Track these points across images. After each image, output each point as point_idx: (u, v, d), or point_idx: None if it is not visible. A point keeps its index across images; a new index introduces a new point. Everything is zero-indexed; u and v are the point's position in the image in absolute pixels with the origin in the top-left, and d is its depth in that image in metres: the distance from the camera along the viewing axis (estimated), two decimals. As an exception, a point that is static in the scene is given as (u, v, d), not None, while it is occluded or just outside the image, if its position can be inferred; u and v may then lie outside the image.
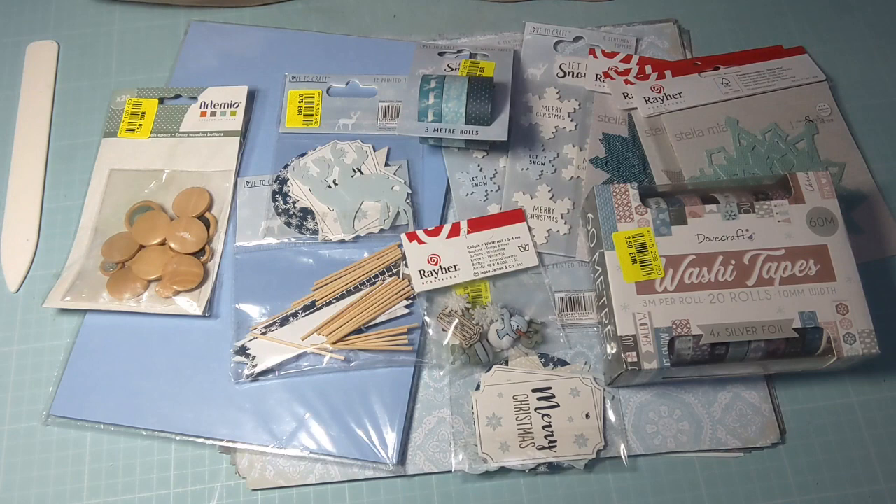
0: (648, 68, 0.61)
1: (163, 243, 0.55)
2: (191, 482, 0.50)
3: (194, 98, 0.60)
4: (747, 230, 0.50)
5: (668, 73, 0.61)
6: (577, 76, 0.61)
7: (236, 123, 0.59)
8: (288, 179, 0.56)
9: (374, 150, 0.58)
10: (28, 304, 0.56)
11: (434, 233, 0.54)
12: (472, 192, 0.57)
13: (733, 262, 0.49)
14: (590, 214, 0.53)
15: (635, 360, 0.47)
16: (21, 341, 0.54)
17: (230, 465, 0.50)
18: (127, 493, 0.50)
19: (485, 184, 0.57)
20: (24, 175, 0.60)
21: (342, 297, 0.53)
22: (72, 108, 0.62)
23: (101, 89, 0.63)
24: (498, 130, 0.54)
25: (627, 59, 0.62)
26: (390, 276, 0.54)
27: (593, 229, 0.52)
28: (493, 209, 0.56)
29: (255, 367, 0.51)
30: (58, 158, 0.60)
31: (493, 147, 0.58)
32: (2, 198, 0.59)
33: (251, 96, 0.60)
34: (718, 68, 0.61)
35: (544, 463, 0.49)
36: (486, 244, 0.54)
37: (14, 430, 0.52)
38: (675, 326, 0.47)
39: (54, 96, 0.63)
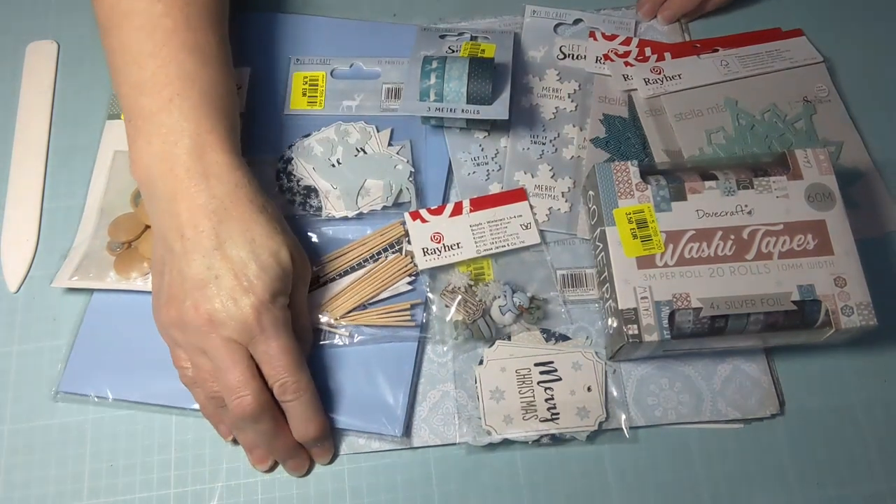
0: (648, 50, 0.62)
1: (168, 222, 0.56)
2: (191, 482, 0.50)
3: (199, 80, 0.61)
4: (746, 206, 0.50)
5: (667, 55, 0.62)
6: (577, 58, 0.62)
7: (239, 105, 0.59)
8: (292, 159, 0.57)
9: (378, 131, 0.58)
10: (28, 303, 0.56)
11: (437, 212, 0.55)
12: (474, 172, 0.58)
13: (732, 236, 0.49)
14: (591, 192, 0.53)
15: (636, 332, 0.47)
16: (21, 341, 0.54)
17: (230, 466, 0.50)
18: (127, 493, 0.50)
19: (486, 164, 0.58)
20: (24, 175, 0.60)
21: (346, 273, 0.53)
22: (72, 108, 0.62)
23: (101, 89, 0.63)
24: (499, 110, 0.54)
25: (627, 42, 0.62)
26: (393, 252, 0.54)
27: (594, 206, 0.53)
28: (495, 188, 0.57)
29: (260, 342, 0.51)
30: (58, 158, 0.60)
31: (494, 127, 0.59)
32: (2, 197, 0.59)
33: (253, 79, 0.61)
34: (717, 50, 0.62)
35: (547, 434, 0.50)
36: (488, 222, 0.55)
37: (14, 430, 0.52)
38: (675, 300, 0.48)
39: (54, 96, 0.63)
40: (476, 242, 0.54)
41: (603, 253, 0.51)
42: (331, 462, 0.50)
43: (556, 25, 0.63)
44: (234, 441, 0.50)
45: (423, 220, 0.55)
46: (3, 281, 0.57)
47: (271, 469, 0.50)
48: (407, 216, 0.55)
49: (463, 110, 0.54)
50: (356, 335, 0.52)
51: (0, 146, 0.61)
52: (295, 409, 0.47)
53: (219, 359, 0.45)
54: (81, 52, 0.64)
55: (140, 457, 0.51)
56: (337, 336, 0.52)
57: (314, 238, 0.55)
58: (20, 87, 0.63)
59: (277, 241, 0.47)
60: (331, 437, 0.50)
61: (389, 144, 0.58)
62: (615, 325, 0.49)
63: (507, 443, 0.50)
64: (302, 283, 0.50)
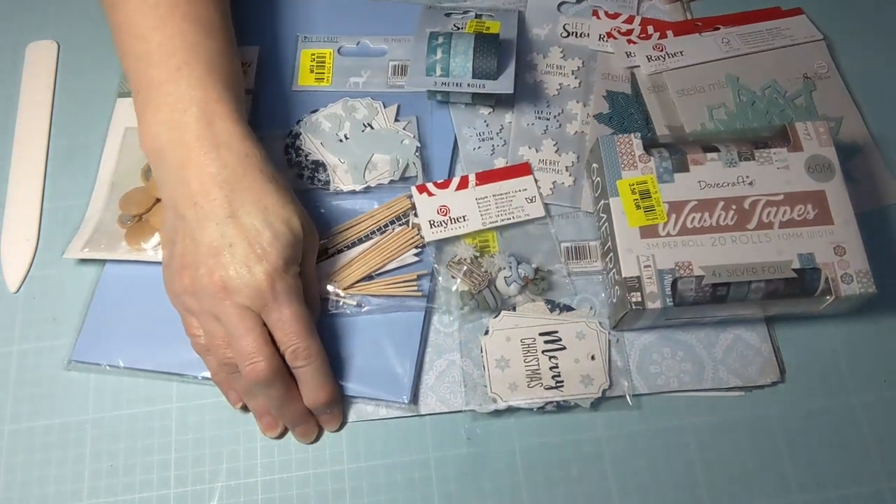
0: (650, 28, 0.63)
1: (179, 196, 0.56)
2: (191, 482, 0.50)
3: (207, 58, 0.61)
4: (747, 177, 0.51)
5: (669, 33, 0.62)
6: (580, 36, 0.63)
7: (248, 82, 0.60)
8: (300, 134, 0.58)
9: (385, 107, 0.59)
10: (28, 304, 0.56)
11: (443, 185, 0.56)
12: (479, 147, 0.59)
13: (734, 207, 0.50)
14: (594, 164, 0.54)
15: (639, 300, 0.48)
16: (21, 341, 0.55)
17: (230, 467, 0.51)
18: (127, 493, 0.50)
19: (491, 139, 0.59)
20: (24, 175, 0.60)
21: (353, 245, 0.54)
22: (72, 108, 0.62)
23: (101, 89, 0.63)
24: (504, 84, 0.55)
25: (630, 20, 0.63)
26: (400, 225, 0.55)
27: (598, 178, 0.53)
28: (500, 163, 0.58)
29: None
30: (58, 158, 0.61)
31: (498, 103, 0.60)
32: (2, 197, 0.59)
33: (262, 57, 0.62)
34: (718, 28, 0.63)
35: (552, 402, 0.51)
36: (493, 196, 0.56)
37: (14, 430, 0.52)
38: (677, 268, 0.49)
39: (54, 96, 0.63)
40: (482, 215, 0.55)
41: (606, 224, 0.52)
42: (339, 429, 0.51)
43: (560, 4, 0.64)
44: (244, 408, 0.51)
45: (430, 194, 0.56)
46: (3, 281, 0.57)
47: (281, 436, 0.51)
48: (414, 189, 0.56)
49: (469, 84, 0.55)
50: (364, 305, 0.53)
51: (0, 146, 0.61)
52: (306, 375, 0.48)
53: (232, 325, 0.46)
54: (81, 52, 0.65)
55: (140, 457, 0.51)
56: (345, 306, 0.53)
57: (322, 211, 0.56)
58: (20, 87, 0.63)
59: (289, 210, 0.48)
60: (340, 403, 0.51)
61: (396, 120, 0.59)
62: (619, 293, 0.50)
63: (512, 410, 0.51)
64: (311, 251, 0.51)
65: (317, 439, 0.51)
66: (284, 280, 0.47)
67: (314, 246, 0.52)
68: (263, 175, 0.48)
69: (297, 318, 0.47)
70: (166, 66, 0.49)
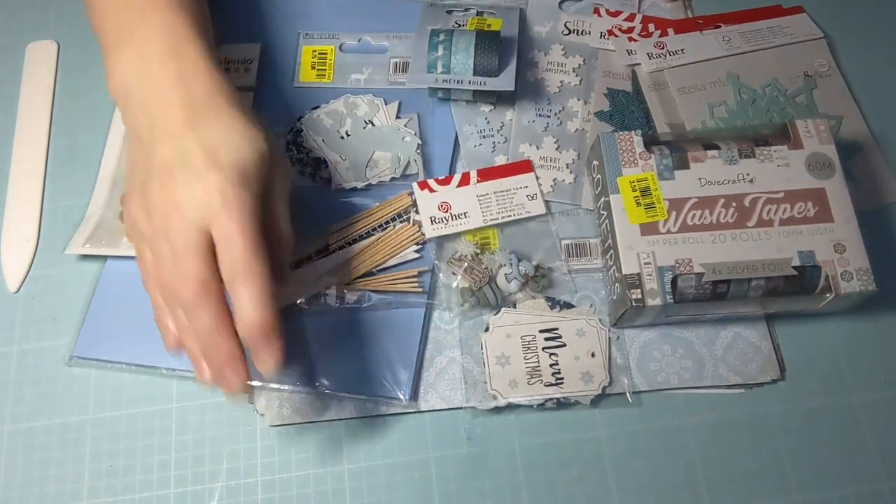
0: (651, 26, 0.63)
1: (180, 192, 0.56)
2: (191, 482, 0.50)
3: (209, 55, 0.61)
4: (748, 174, 0.51)
5: (670, 30, 0.62)
6: (581, 34, 0.63)
7: (250, 79, 0.60)
8: (302, 130, 0.58)
9: (386, 104, 0.59)
10: (28, 303, 0.56)
11: (445, 182, 0.56)
12: (480, 144, 0.59)
13: (734, 204, 0.50)
14: (595, 162, 0.54)
15: (640, 297, 0.48)
16: (21, 341, 0.55)
17: (230, 467, 0.51)
18: (127, 493, 0.50)
19: (492, 136, 0.59)
20: (24, 175, 0.60)
21: (354, 241, 0.54)
22: (72, 108, 0.63)
23: (101, 89, 0.61)
24: (505, 81, 0.55)
25: (631, 18, 0.63)
26: (401, 221, 0.55)
27: (598, 176, 0.54)
28: (500, 160, 0.58)
29: (271, 308, 0.52)
30: (58, 158, 0.61)
31: (499, 100, 0.60)
32: (2, 197, 0.59)
33: (263, 54, 0.62)
34: (719, 26, 0.63)
35: (552, 399, 0.51)
36: (494, 193, 0.56)
37: (14, 431, 0.52)
38: (678, 265, 0.49)
39: (54, 96, 0.63)
40: (483, 212, 0.55)
41: (607, 221, 0.52)
42: (275, 373, 0.44)
43: (561, 1, 0.64)
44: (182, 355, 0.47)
45: (431, 190, 0.56)
46: (3, 281, 0.57)
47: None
48: (415, 186, 0.56)
49: (470, 81, 0.55)
50: (365, 301, 0.53)
51: (0, 146, 0.61)
52: (241, 294, 0.42)
53: (176, 241, 0.43)
54: (81, 52, 0.65)
55: (140, 457, 0.51)
56: (346, 301, 0.53)
57: (324, 208, 0.56)
58: (20, 87, 0.63)
59: (254, 132, 0.46)
60: (279, 340, 0.43)
61: (397, 117, 0.59)
62: (619, 290, 0.50)
63: (512, 407, 0.51)
64: (281, 185, 0.48)
65: (249, 397, 0.50)
66: (236, 192, 0.43)
67: (284, 176, 0.49)
68: (230, 102, 0.47)
69: (242, 233, 0.42)
70: (135, 9, 0.48)
